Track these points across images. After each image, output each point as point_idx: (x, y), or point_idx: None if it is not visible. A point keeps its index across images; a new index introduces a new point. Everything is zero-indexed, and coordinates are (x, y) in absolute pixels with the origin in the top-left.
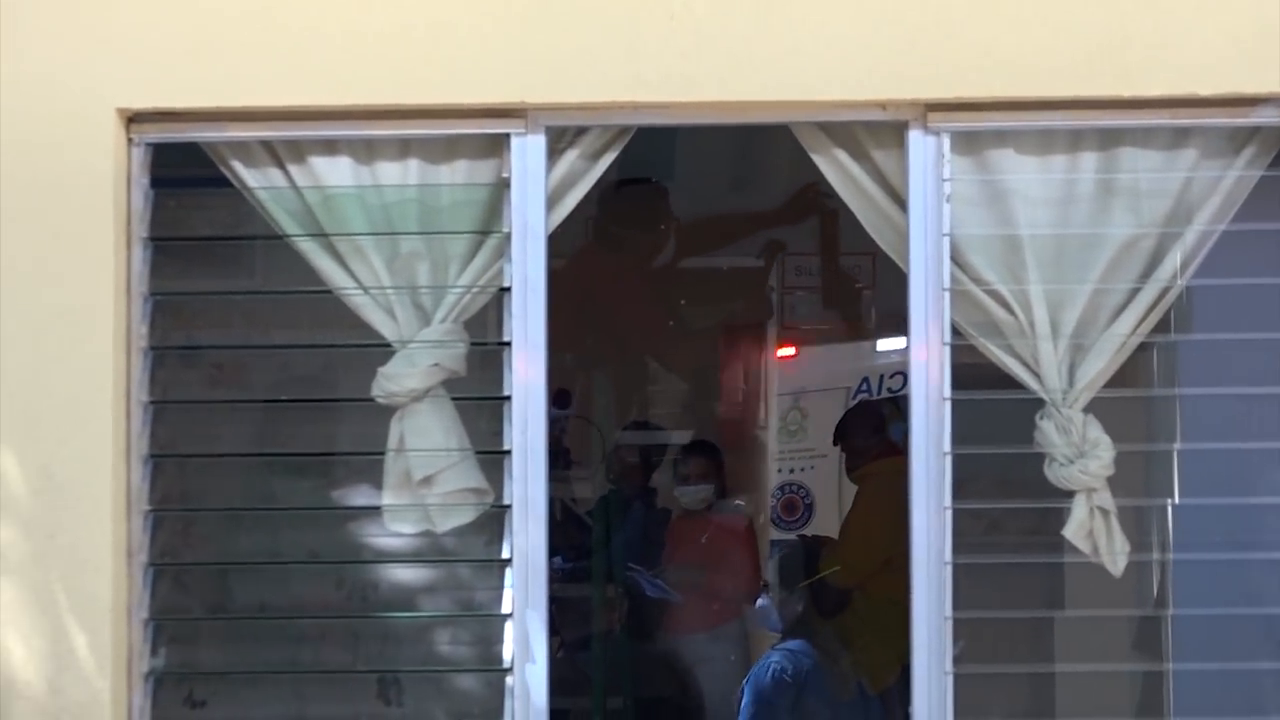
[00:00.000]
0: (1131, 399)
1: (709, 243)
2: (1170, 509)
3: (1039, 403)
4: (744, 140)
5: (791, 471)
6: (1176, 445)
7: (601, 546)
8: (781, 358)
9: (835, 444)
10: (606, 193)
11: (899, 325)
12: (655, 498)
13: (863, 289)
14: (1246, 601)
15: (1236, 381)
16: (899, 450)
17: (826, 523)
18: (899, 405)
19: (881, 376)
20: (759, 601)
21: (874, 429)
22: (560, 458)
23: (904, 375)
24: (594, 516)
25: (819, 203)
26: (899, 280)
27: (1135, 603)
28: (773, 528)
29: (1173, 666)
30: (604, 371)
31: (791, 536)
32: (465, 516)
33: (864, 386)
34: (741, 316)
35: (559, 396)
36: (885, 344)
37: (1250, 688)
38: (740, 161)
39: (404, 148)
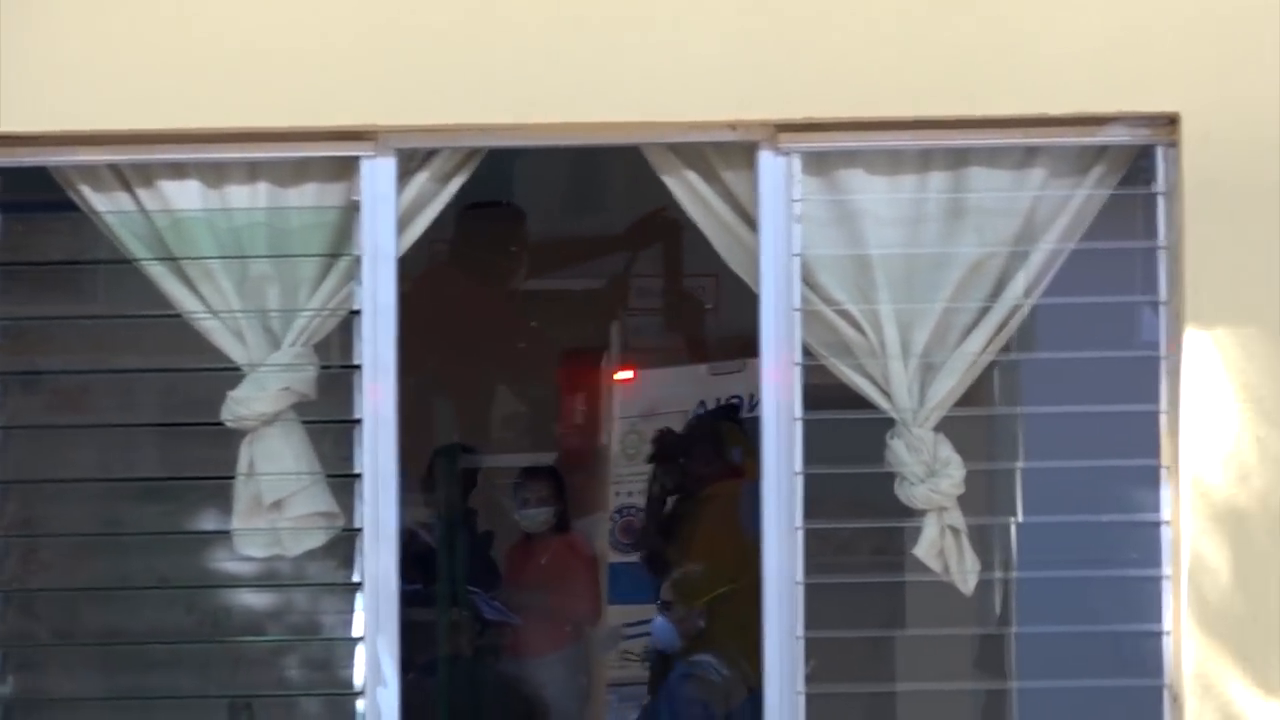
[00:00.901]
0: (979, 417)
1: (555, 265)
2: (1014, 527)
3: (889, 422)
4: (585, 161)
5: (630, 494)
6: (1020, 464)
7: (446, 569)
8: (621, 380)
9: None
10: (464, 214)
11: (741, 347)
12: (475, 519)
13: (707, 310)
14: (1089, 619)
15: (1083, 400)
16: (740, 472)
17: None
18: (740, 426)
19: (718, 400)
20: (656, 620)
21: (716, 450)
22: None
23: (739, 398)
24: (439, 539)
25: (668, 227)
26: (742, 301)
27: (979, 620)
28: (611, 550)
29: (1017, 685)
30: (445, 395)
31: (632, 558)
32: (316, 540)
33: (700, 409)
34: (582, 339)
35: None
36: (721, 366)
37: (1093, 705)
38: (581, 183)
39: (253, 171)
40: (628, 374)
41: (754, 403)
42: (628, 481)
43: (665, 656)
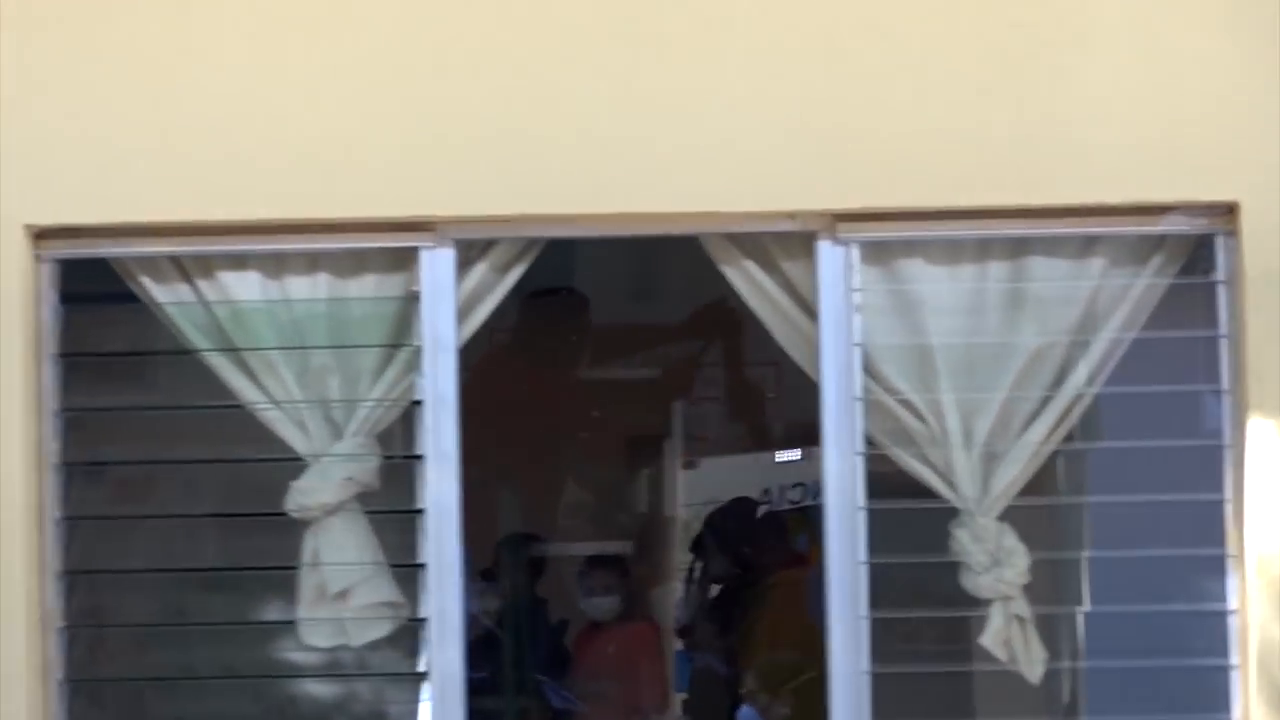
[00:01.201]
0: (1044, 506)
1: (617, 353)
2: (1081, 616)
3: (953, 511)
4: (647, 250)
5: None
6: (1086, 553)
7: (513, 658)
8: (686, 468)
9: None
10: (528, 299)
11: (803, 435)
12: (545, 608)
13: (769, 398)
14: (1158, 709)
15: (1148, 488)
16: (805, 560)
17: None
18: (806, 514)
19: (782, 487)
20: (742, 710)
21: (779, 538)
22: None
23: (804, 485)
24: (504, 628)
25: (729, 316)
26: (802, 390)
27: (1048, 710)
28: (678, 639)
29: None
30: (511, 484)
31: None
32: (381, 630)
33: (766, 497)
34: (646, 428)
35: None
36: (783, 455)
37: None
38: (642, 273)
39: (313, 262)
40: (692, 461)
41: (817, 489)
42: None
43: None
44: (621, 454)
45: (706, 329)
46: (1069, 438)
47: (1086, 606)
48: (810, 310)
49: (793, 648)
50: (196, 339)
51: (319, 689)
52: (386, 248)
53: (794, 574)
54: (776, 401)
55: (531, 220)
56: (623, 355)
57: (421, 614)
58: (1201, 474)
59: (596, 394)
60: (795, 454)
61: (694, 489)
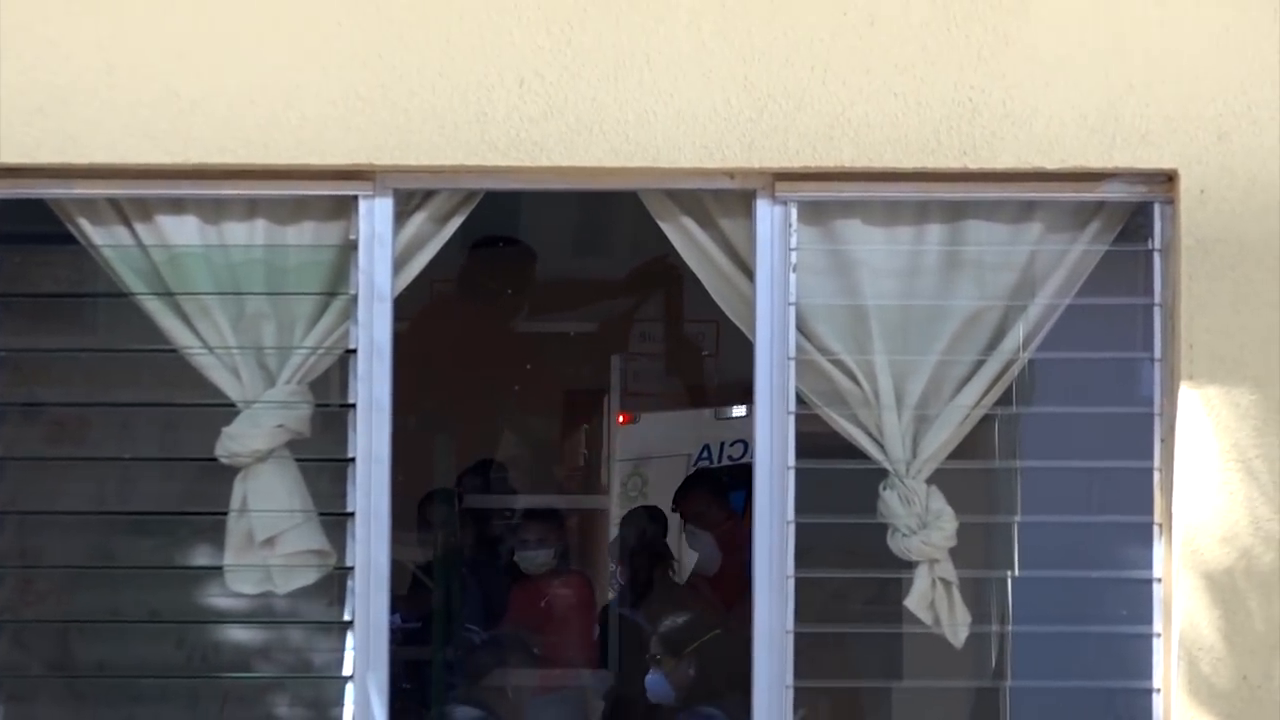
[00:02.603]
0: (974, 470)
1: (556, 307)
2: (1010, 581)
3: (882, 473)
4: (588, 205)
5: None
6: (1017, 518)
7: (442, 608)
8: (623, 423)
9: (674, 509)
10: (473, 249)
11: (741, 393)
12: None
13: (707, 356)
14: (1081, 675)
15: (1077, 455)
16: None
17: None
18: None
19: (722, 444)
20: (649, 676)
21: (717, 496)
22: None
23: (744, 443)
24: (435, 578)
25: (669, 273)
26: (741, 347)
27: (973, 674)
28: (613, 593)
29: None
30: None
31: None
32: (307, 578)
33: (704, 454)
34: (584, 382)
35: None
36: (726, 411)
37: None
38: (584, 227)
39: (251, 208)
40: (630, 416)
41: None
42: None
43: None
44: (559, 408)
45: (646, 284)
46: (1001, 402)
47: (1014, 571)
48: (747, 269)
49: (709, 607)
50: (133, 282)
51: (244, 635)
52: (325, 195)
53: (725, 531)
54: (716, 359)
55: (471, 172)
56: (563, 309)
57: (348, 563)
58: (1132, 442)
59: (535, 347)
60: (739, 410)
61: (632, 444)
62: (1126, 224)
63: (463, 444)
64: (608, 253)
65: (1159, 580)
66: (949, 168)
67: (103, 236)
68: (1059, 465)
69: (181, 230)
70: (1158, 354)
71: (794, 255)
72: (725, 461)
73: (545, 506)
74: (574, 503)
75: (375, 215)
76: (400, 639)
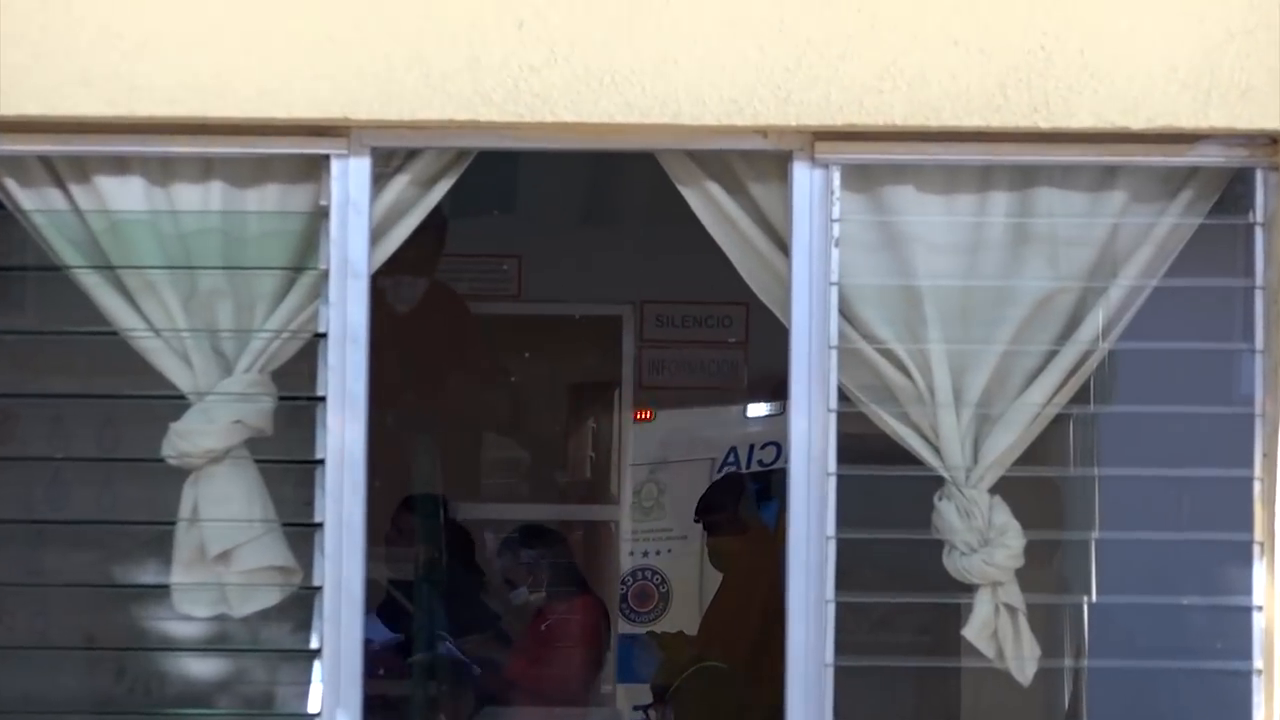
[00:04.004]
0: (1045, 479)
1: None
2: (1086, 608)
3: (938, 481)
4: (599, 169)
5: (646, 555)
6: (1094, 535)
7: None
8: (637, 422)
9: (696, 521)
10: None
11: (775, 387)
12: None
13: (734, 344)
14: (1171, 718)
15: (1165, 462)
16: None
17: (684, 615)
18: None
19: (752, 446)
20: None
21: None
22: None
23: (778, 445)
24: (415, 599)
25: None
26: (775, 334)
27: (1042, 717)
28: (623, 620)
29: None
30: (429, 435)
31: (646, 629)
32: (268, 599)
33: (731, 458)
34: (591, 374)
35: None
36: (757, 409)
37: None
38: (593, 194)
39: (205, 168)
40: (645, 414)
41: None
42: (643, 539)
43: None
44: (562, 403)
45: None
46: (1077, 400)
47: (1090, 597)
48: (782, 243)
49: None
50: (67, 253)
51: (195, 665)
52: (291, 154)
53: (750, 548)
54: (745, 347)
55: (461, 128)
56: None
57: (316, 581)
58: (1229, 446)
59: (535, 332)
60: (769, 408)
61: (646, 446)
62: (1224, 193)
63: (450, 443)
64: (620, 224)
65: (1259, 608)
66: (1017, 127)
67: (32, 200)
68: (1143, 474)
69: (124, 193)
70: (1259, 344)
71: (836, 227)
72: (755, 467)
73: (544, 520)
74: (579, 513)
75: (349, 178)
76: (379, 668)
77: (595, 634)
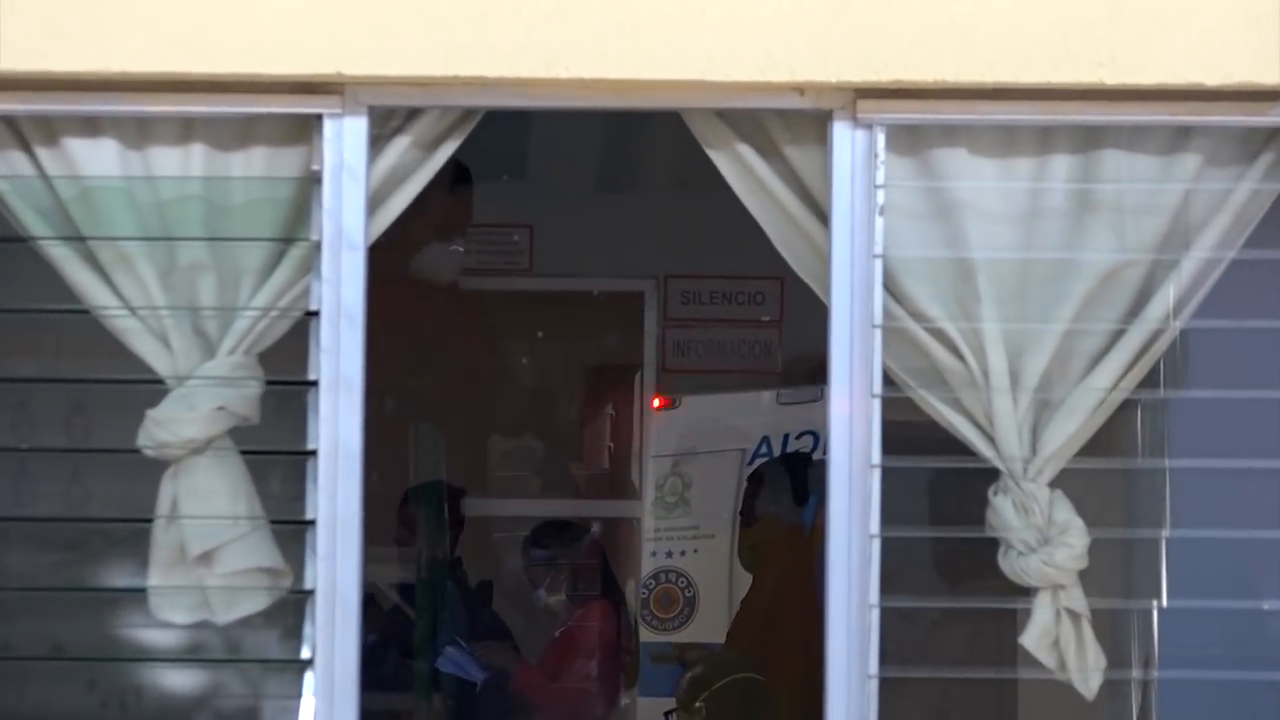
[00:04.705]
0: (1110, 472)
1: None
2: (1156, 613)
3: (993, 473)
4: (619, 130)
5: (669, 555)
6: (1165, 533)
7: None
8: (659, 409)
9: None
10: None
11: (812, 370)
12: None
13: (769, 322)
14: None
15: (1242, 452)
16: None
17: (712, 622)
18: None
19: (786, 436)
20: None
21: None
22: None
23: (815, 435)
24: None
25: None
26: (814, 312)
27: None
28: (644, 627)
29: None
30: (432, 422)
31: (670, 637)
32: (255, 604)
33: (764, 448)
34: (609, 356)
35: None
36: (792, 394)
37: None
38: (612, 157)
39: (185, 130)
40: (669, 400)
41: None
42: (666, 538)
43: None
44: (578, 388)
45: None
46: (1146, 384)
47: (1161, 601)
48: (821, 211)
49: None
50: (33, 223)
51: (174, 677)
52: (280, 114)
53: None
54: (780, 326)
55: (467, 84)
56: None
57: (307, 585)
58: None
59: (548, 310)
60: (806, 394)
61: (670, 435)
62: None
63: (455, 432)
64: (641, 190)
65: None
66: (1081, 83)
67: None
68: (1219, 465)
69: (96, 157)
70: None
71: (881, 194)
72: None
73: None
74: (595, 510)
75: (344, 139)
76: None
77: (606, 643)
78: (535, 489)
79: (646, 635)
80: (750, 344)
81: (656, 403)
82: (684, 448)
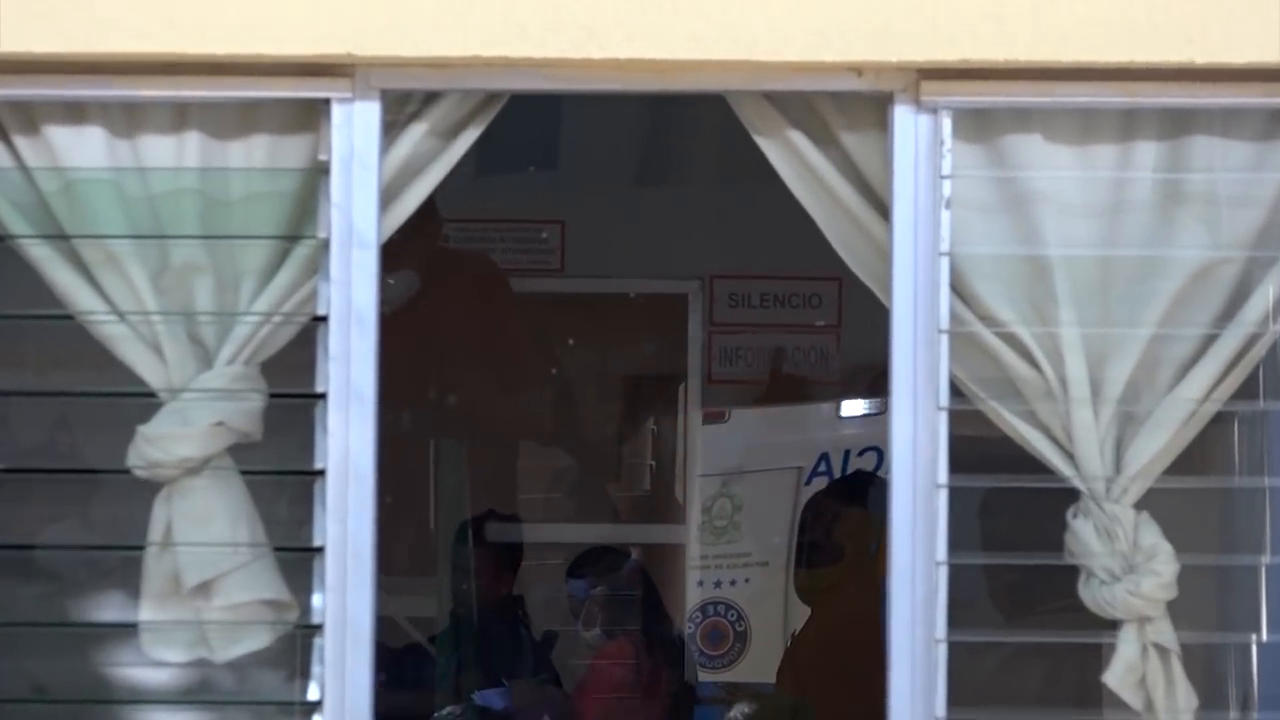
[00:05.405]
0: (1202, 492)
1: None
2: (1255, 648)
3: (1072, 494)
4: (658, 116)
5: (718, 585)
6: (1265, 559)
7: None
8: (707, 423)
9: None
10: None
11: (874, 381)
12: (523, 609)
13: (825, 327)
14: None
15: None
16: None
17: (765, 660)
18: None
19: (847, 453)
20: None
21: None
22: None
23: (879, 451)
24: (439, 644)
25: None
26: (875, 317)
27: None
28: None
29: None
30: (455, 440)
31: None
32: (258, 640)
33: (823, 466)
34: (650, 365)
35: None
36: (854, 407)
37: None
38: (651, 146)
39: (180, 116)
40: (718, 414)
41: None
42: (714, 566)
43: None
44: (615, 400)
45: None
46: (1242, 394)
47: (1260, 635)
48: (881, 204)
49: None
50: (11, 220)
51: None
52: (284, 99)
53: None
54: (839, 332)
55: (490, 66)
56: None
57: (315, 619)
58: None
59: (581, 315)
60: (869, 406)
61: (719, 452)
62: None
63: (478, 451)
64: (684, 182)
65: None
66: (1168, 62)
67: None
68: None
69: (82, 147)
70: None
71: (947, 185)
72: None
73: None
74: (636, 535)
75: (354, 127)
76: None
77: (622, 685)
78: (569, 512)
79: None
80: (806, 351)
81: (703, 417)
82: (734, 466)
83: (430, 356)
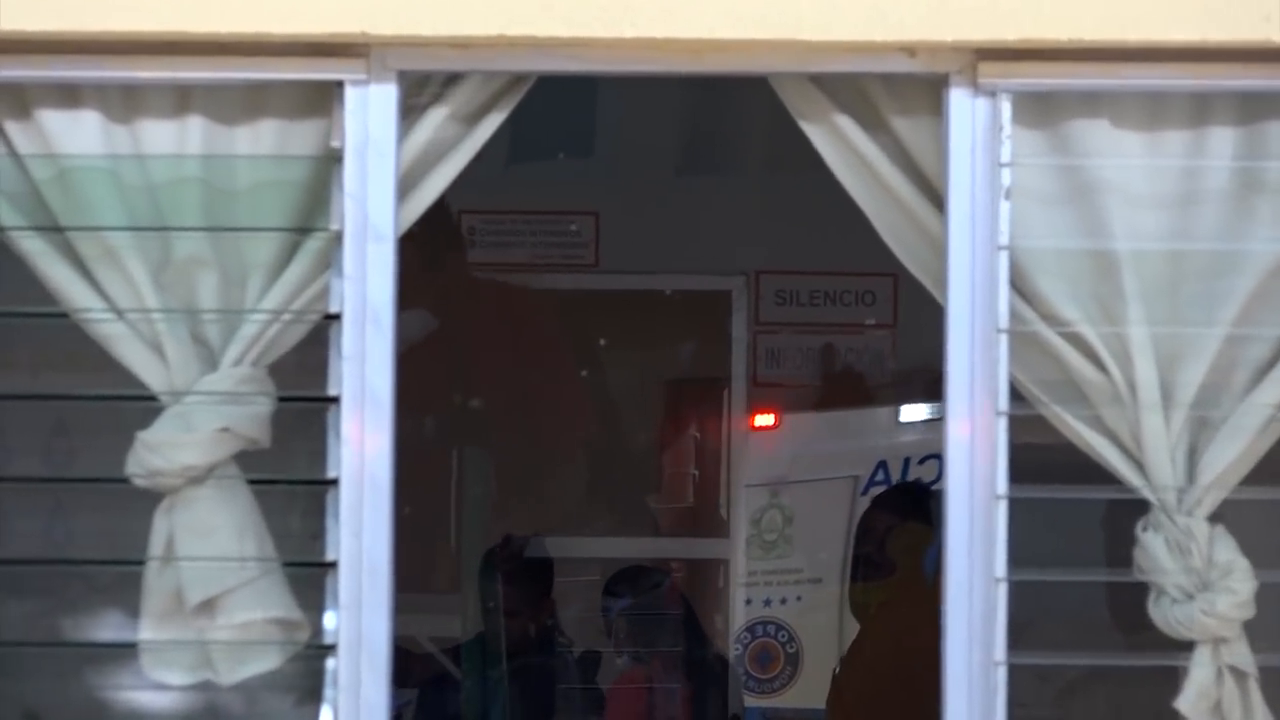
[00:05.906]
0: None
1: None
2: None
3: (1141, 505)
4: (698, 100)
5: (767, 604)
6: None
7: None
8: (754, 430)
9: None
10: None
11: (932, 383)
12: (558, 636)
13: (877, 326)
14: None
15: None
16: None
17: (819, 684)
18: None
19: (906, 461)
20: None
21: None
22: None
23: (940, 458)
24: (464, 666)
25: None
26: (932, 315)
27: None
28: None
29: None
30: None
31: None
32: (266, 661)
33: (880, 475)
34: (691, 368)
35: None
36: (912, 412)
37: None
38: (690, 132)
39: (182, 100)
40: (766, 419)
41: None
42: (763, 584)
43: None
44: (655, 405)
45: None
46: None
47: None
48: (936, 194)
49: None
50: (2, 210)
51: None
52: (294, 81)
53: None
54: (894, 332)
55: (515, 46)
56: None
57: (327, 639)
58: None
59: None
60: (928, 410)
61: (767, 461)
62: None
63: (504, 459)
64: (727, 172)
65: None
66: (1242, 42)
67: None
68: None
69: (76, 132)
70: None
71: (1006, 174)
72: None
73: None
74: (678, 550)
75: (369, 111)
76: None
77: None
78: (606, 526)
79: (746, 699)
80: (859, 352)
81: (750, 423)
82: (783, 475)
83: (455, 361)
